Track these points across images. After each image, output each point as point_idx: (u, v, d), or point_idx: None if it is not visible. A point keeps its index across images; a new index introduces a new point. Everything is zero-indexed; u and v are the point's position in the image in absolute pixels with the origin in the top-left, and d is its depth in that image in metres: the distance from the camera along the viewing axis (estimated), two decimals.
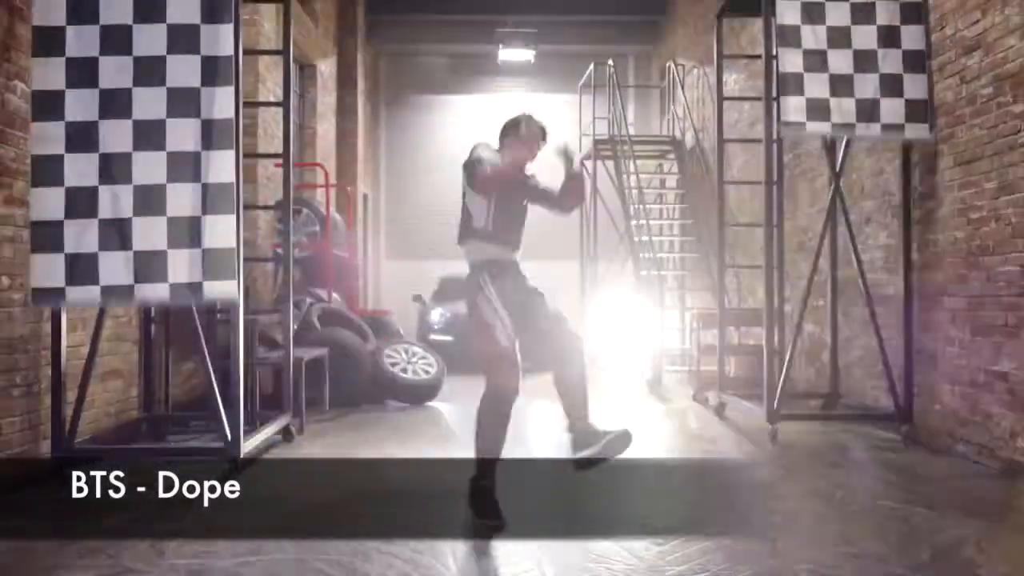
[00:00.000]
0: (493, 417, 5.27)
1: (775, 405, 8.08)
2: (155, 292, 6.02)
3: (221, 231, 6.11)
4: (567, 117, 19.25)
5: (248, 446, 6.77)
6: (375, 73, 21.64)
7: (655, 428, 9.25)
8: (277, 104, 8.82)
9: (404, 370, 10.85)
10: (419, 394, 10.72)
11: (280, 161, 10.86)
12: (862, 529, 5.29)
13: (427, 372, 10.97)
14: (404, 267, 21.71)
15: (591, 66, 16.78)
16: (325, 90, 16.05)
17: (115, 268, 5.96)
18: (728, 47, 11.22)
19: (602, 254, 16.26)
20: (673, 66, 16.93)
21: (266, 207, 10.88)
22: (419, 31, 20.72)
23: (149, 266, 5.99)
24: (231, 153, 6.17)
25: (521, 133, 5.59)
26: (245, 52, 7.15)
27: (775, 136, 8.47)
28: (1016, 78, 6.54)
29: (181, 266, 6.04)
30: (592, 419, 5.35)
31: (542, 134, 5.60)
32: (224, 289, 6.14)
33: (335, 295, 12.29)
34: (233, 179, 6.18)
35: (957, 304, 7.27)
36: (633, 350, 14.44)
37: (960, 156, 7.26)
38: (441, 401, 10.88)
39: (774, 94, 8.06)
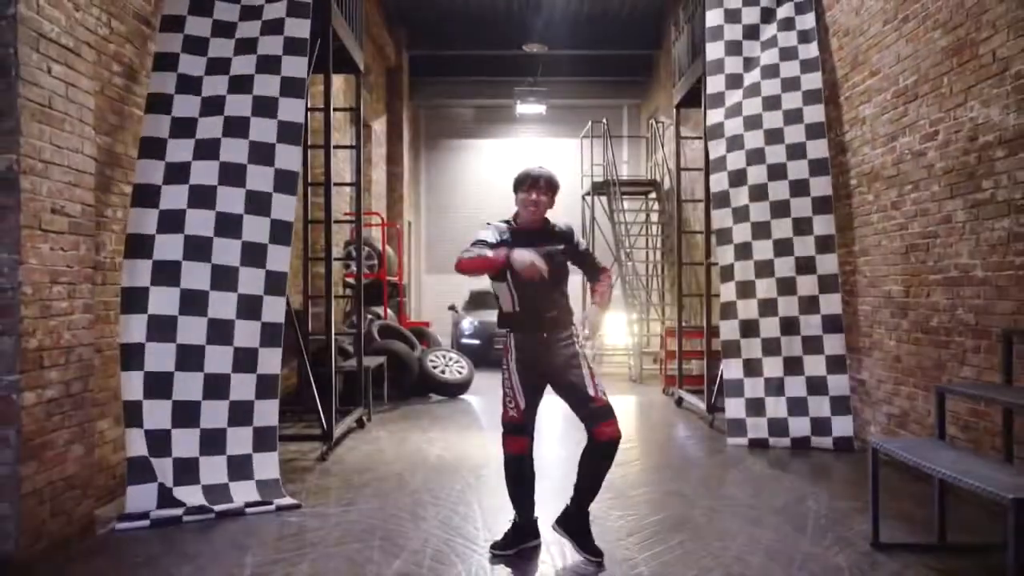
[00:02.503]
0: (506, 476, 5.26)
1: (712, 400, 9.78)
2: (226, 300, 6.36)
3: (279, 258, 6.53)
4: (573, 159, 20.96)
5: (337, 432, 8.44)
6: (416, 123, 23.20)
7: (632, 414, 10.99)
8: (350, 184, 10.38)
9: (443, 371, 12.56)
10: (455, 390, 12.41)
11: (348, 211, 12.73)
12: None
13: (460, 373, 12.69)
14: (440, 280, 23.14)
15: (589, 123, 18.41)
16: (377, 143, 17.73)
17: (197, 276, 6.29)
18: (692, 113, 12.91)
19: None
20: (654, 123, 18.52)
21: (340, 258, 12.60)
22: (452, 88, 22.14)
23: (224, 278, 6.36)
24: (293, 198, 6.61)
25: (525, 185, 5.00)
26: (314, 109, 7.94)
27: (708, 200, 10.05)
28: (869, 175, 8.23)
29: (248, 281, 6.43)
30: (592, 507, 5.35)
31: (547, 184, 5.01)
32: (276, 304, 6.50)
33: (389, 311, 14.10)
34: (291, 218, 6.59)
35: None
36: (621, 351, 16.30)
37: (839, 225, 8.82)
38: (471, 395, 12.56)
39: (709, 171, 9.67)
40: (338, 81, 12.84)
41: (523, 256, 4.60)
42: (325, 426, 8.14)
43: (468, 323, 17.30)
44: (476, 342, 16.78)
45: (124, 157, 6.47)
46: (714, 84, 9.40)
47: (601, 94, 21.90)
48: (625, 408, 11.52)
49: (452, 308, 18.48)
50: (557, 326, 5.02)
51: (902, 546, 5.30)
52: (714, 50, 9.47)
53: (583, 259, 5.17)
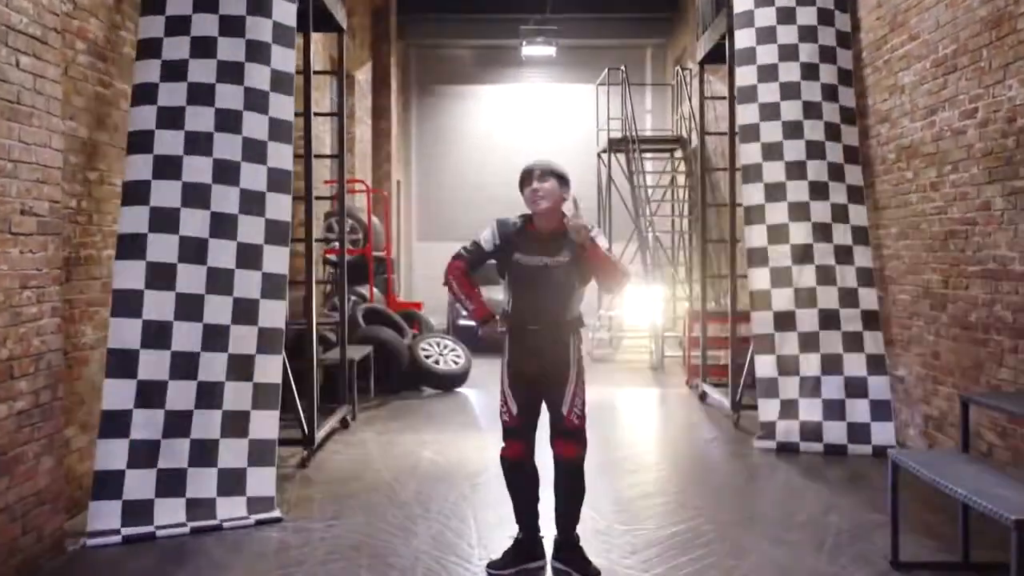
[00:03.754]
0: (506, 482, 5.87)
1: (738, 396, 10.33)
2: (222, 305, 6.99)
3: (276, 260, 7.23)
4: (587, 109, 21.25)
5: (319, 434, 8.99)
6: (406, 68, 23.64)
7: (651, 412, 11.61)
8: (331, 157, 10.86)
9: (437, 361, 13.15)
10: (450, 382, 12.99)
11: (328, 179, 13.22)
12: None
13: (456, 363, 13.28)
14: (434, 248, 23.15)
15: (606, 70, 18.83)
16: (361, 95, 18.15)
17: (193, 279, 6.91)
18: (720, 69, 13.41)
19: (616, 235, 17.87)
20: (680, 69, 18.95)
21: (321, 239, 13.12)
22: (447, 27, 22.53)
23: (219, 281, 6.98)
24: (288, 197, 7.37)
25: (525, 181, 5.53)
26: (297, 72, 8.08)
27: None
28: (908, 150, 8.79)
29: (244, 284, 7.07)
30: (578, 532, 5.86)
31: (543, 171, 5.52)
32: (274, 308, 7.19)
33: (376, 291, 14.69)
34: (287, 218, 7.34)
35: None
36: (642, 334, 16.87)
37: (876, 202, 9.43)
38: (469, 387, 13.13)
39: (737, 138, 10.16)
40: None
41: (485, 331, 5.71)
42: (306, 429, 8.73)
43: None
44: (475, 323, 17.09)
45: (88, 142, 7.05)
46: (743, 38, 9.82)
47: (620, 33, 22.27)
48: (644, 404, 12.12)
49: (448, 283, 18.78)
50: (549, 337, 5.57)
51: (922, 565, 5.87)
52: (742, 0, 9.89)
53: (598, 256, 5.49)
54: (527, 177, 5.52)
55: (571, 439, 5.62)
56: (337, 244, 12.70)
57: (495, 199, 22.90)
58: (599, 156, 19.75)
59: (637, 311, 17.01)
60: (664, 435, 10.32)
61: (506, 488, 5.88)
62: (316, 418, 9.06)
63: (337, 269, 12.09)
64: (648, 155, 19.75)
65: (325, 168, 14.04)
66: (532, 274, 5.51)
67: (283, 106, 7.49)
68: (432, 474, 8.31)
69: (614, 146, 18.32)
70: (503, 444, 5.77)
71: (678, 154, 19.22)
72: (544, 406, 5.73)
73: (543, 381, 5.61)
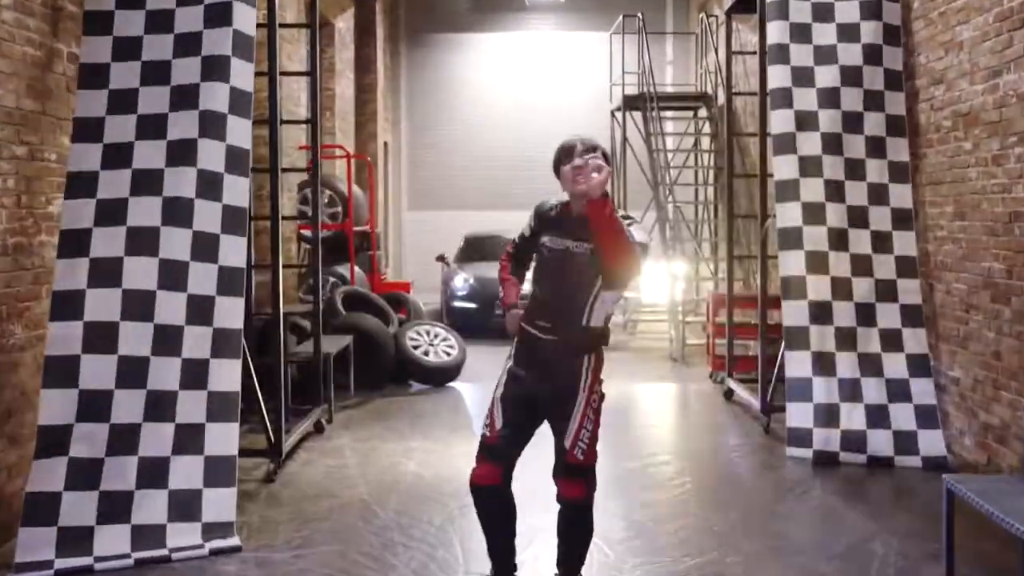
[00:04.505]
0: (476, 511, 5.62)
1: (769, 396, 10.11)
2: (174, 303, 6.92)
3: (234, 251, 7.18)
4: (600, 61, 21.05)
5: (289, 442, 8.81)
6: (395, 14, 23.42)
7: (670, 412, 11.38)
8: (305, 122, 10.61)
9: (426, 352, 12.93)
10: (441, 376, 12.80)
11: (303, 143, 13.00)
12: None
13: (448, 354, 13.05)
14: (427, 219, 23.49)
15: (620, 17, 18.57)
16: (343, 46, 17.94)
17: (142, 274, 6.83)
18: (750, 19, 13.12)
19: (632, 204, 18.13)
20: (705, 17, 18.68)
21: (293, 217, 12.88)
22: None
23: (171, 275, 6.91)
24: (247, 180, 7.35)
25: (565, 158, 5.18)
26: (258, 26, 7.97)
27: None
28: (967, 117, 8.52)
29: (199, 279, 7.00)
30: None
31: (587, 145, 5.16)
32: (232, 306, 7.13)
33: (358, 271, 14.46)
34: (245, 204, 7.32)
35: (927, 310, 9.21)
36: (660, 316, 16.64)
37: (929, 176, 9.17)
38: (463, 382, 12.96)
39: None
40: None
41: (511, 319, 5.58)
42: (273, 438, 8.53)
43: (462, 280, 17.41)
44: (471, 305, 17.04)
45: (15, 111, 6.81)
46: None
47: None
48: (661, 403, 11.92)
49: (441, 259, 18.71)
50: (561, 346, 5.28)
51: None
52: None
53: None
54: (568, 153, 5.16)
55: (575, 478, 5.35)
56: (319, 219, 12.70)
57: (495, 162, 23.02)
58: (613, 115, 19.60)
59: (656, 289, 16.71)
60: (683, 442, 10.13)
61: (477, 517, 5.65)
62: (285, 423, 8.90)
63: (312, 248, 11.82)
64: (668, 114, 19.58)
65: (302, 131, 13.80)
66: (555, 260, 5.31)
67: (243, 73, 7.38)
68: (416, 491, 8.11)
69: (630, 103, 18.19)
70: (474, 464, 5.50)
71: (702, 113, 19.07)
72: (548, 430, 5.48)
73: (544, 400, 5.38)
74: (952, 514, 5.69)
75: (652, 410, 11.71)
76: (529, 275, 5.63)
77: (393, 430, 10.33)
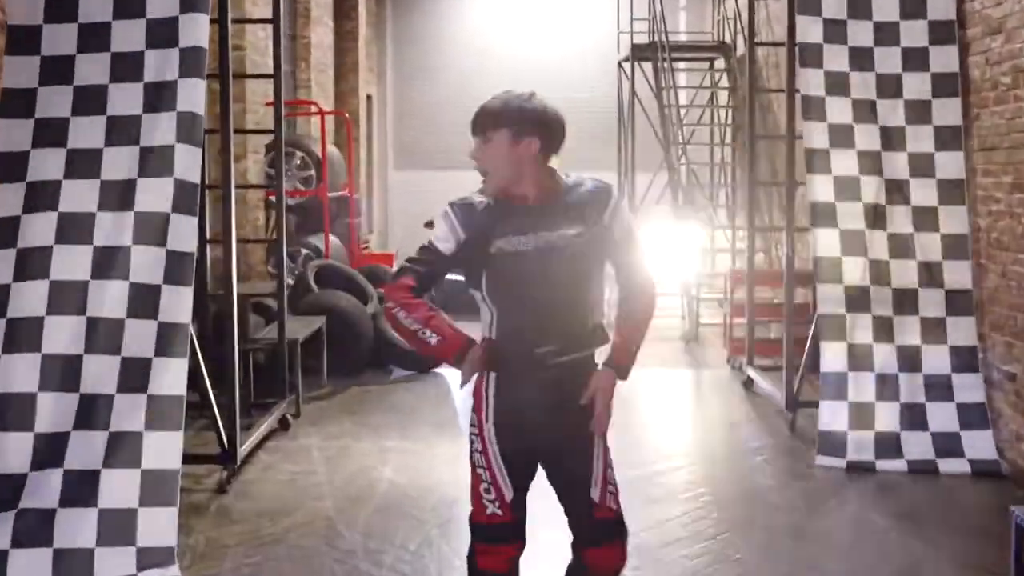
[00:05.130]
0: None
1: (795, 391, 9.61)
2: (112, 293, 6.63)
3: (184, 233, 6.83)
4: (606, 3, 20.72)
5: (247, 444, 8.34)
6: None
7: (682, 405, 10.88)
8: (267, 76, 10.06)
9: None
10: (425, 362, 12.19)
11: (271, 99, 12.48)
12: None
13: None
14: (414, 179, 23.17)
15: None
16: None
17: (73, 262, 6.63)
18: None
19: (641, 165, 17.95)
20: None
21: (253, 185, 12.38)
22: None
23: (110, 263, 6.65)
24: (198, 150, 7.02)
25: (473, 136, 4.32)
26: None
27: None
28: None
29: (143, 266, 6.70)
30: None
31: (489, 118, 4.26)
32: (179, 297, 6.76)
33: (334, 241, 13.94)
34: (198, 179, 6.99)
35: (977, 295, 8.70)
36: (671, 289, 16.06)
37: (983, 141, 8.64)
38: (449, 368, 12.40)
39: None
40: None
41: (466, 371, 4.16)
42: (226, 441, 8.02)
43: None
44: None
45: None
46: None
47: None
48: (672, 394, 11.41)
49: (430, 226, 18.02)
50: (565, 367, 4.24)
51: None
52: None
53: (617, 249, 4.33)
54: (472, 126, 4.30)
55: (615, 540, 4.37)
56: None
57: None
58: (620, 66, 19.31)
59: (666, 258, 16.13)
60: (697, 443, 9.67)
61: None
62: (247, 419, 8.68)
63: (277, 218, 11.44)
64: (682, 65, 19.60)
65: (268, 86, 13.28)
66: (526, 264, 4.16)
67: (195, 29, 7.04)
68: (390, 504, 7.63)
69: (639, 53, 17.90)
70: (481, 551, 4.42)
71: (719, 65, 18.80)
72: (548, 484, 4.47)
73: (552, 448, 4.32)
74: (1022, 552, 5.20)
75: (660, 402, 11.20)
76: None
77: (368, 426, 9.89)
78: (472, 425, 4.39)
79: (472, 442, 4.39)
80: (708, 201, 17.22)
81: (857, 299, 8.73)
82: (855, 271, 8.78)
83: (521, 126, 4.20)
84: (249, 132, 12.00)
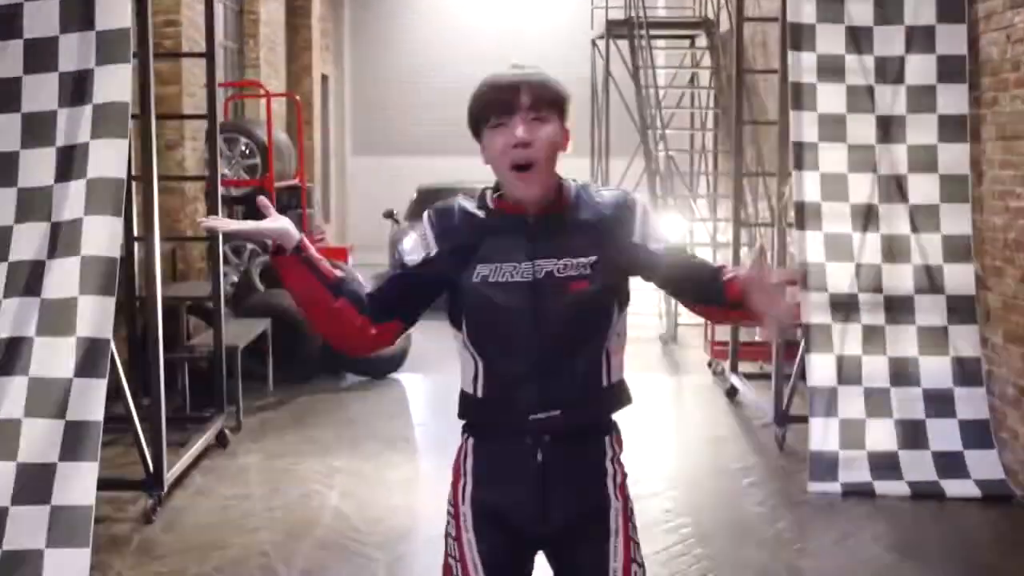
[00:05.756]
0: None
1: (786, 402, 9.17)
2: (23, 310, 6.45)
3: (102, 236, 6.57)
4: None
5: (177, 466, 7.92)
6: None
7: (657, 417, 10.42)
8: (199, 55, 9.55)
9: None
10: (381, 366, 11.85)
11: (221, 81, 12.05)
12: None
13: None
14: (375, 165, 23.25)
15: None
16: None
17: None
18: None
19: (616, 150, 17.81)
20: None
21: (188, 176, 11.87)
22: None
23: (23, 279, 6.51)
24: (124, 142, 6.75)
25: (491, 110, 3.27)
26: None
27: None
28: None
29: (59, 277, 6.52)
30: None
31: (536, 94, 3.23)
32: (99, 308, 6.50)
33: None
34: (121, 174, 6.75)
35: (992, 301, 8.28)
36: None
37: (1002, 129, 8.17)
38: (408, 372, 12.09)
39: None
40: None
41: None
42: (151, 465, 7.55)
43: (413, 242, 16.57)
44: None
45: None
46: None
47: None
48: (648, 404, 10.86)
49: (390, 216, 18.09)
50: (572, 439, 3.43)
51: None
52: None
53: (659, 261, 3.39)
54: (500, 104, 3.25)
55: None
56: (225, 174, 11.98)
57: (457, 97, 22.18)
58: (594, 44, 19.19)
59: None
60: (677, 463, 9.17)
61: None
62: (179, 437, 8.48)
63: (225, 208, 11.09)
64: (660, 43, 19.37)
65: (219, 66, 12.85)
66: (519, 300, 3.29)
67: (115, 6, 6.82)
68: (334, 537, 7.17)
69: (614, 30, 17.62)
70: None
71: (701, 42, 18.50)
72: None
73: (559, 536, 3.46)
74: None
75: (635, 413, 10.56)
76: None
77: (315, 442, 9.46)
78: (448, 502, 3.51)
79: (448, 522, 3.50)
80: (688, 190, 16.97)
81: (845, 307, 8.56)
82: (842, 277, 8.60)
83: (565, 112, 3.31)
84: (177, 117, 11.61)
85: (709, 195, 17.24)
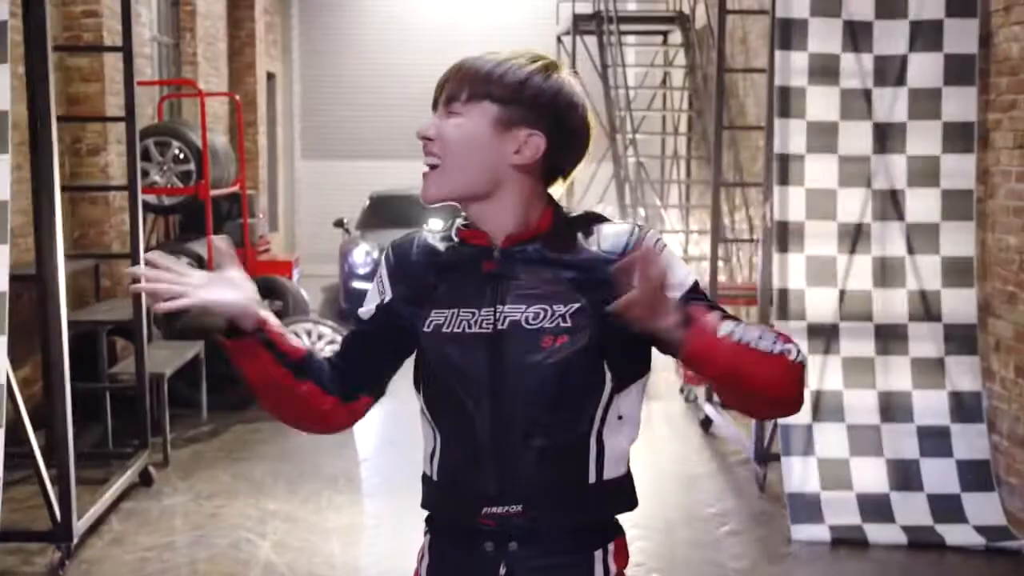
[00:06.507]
0: None
1: (768, 440, 8.82)
2: None
3: None
4: None
5: (87, 519, 7.42)
6: None
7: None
8: (114, 50, 9.11)
9: None
10: None
11: (144, 79, 11.69)
12: None
13: None
14: (325, 170, 23.28)
15: None
16: None
17: None
18: None
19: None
20: None
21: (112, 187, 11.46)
22: None
23: None
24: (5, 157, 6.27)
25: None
26: None
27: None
28: None
29: None
30: None
31: (464, 79, 2.75)
32: None
33: (223, 243, 13.00)
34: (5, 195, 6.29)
35: (1002, 330, 7.97)
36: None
37: (1021, 136, 7.86)
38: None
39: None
40: None
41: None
42: (58, 514, 7.09)
43: (363, 253, 16.61)
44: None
45: None
46: None
47: None
48: None
49: (340, 226, 17.88)
50: (543, 544, 2.76)
51: None
52: None
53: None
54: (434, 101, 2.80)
55: None
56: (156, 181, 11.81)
57: (413, 99, 22.46)
58: (559, 40, 19.14)
59: None
60: (647, 506, 8.45)
61: None
62: (99, 474, 8.28)
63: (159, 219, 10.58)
64: (631, 40, 19.21)
65: (147, 62, 12.38)
66: (470, 358, 2.70)
67: None
68: None
69: (581, 25, 17.47)
70: None
71: (675, 39, 18.37)
72: None
73: None
74: None
75: None
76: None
77: (249, 480, 9.07)
78: None
79: None
80: (659, 199, 16.90)
81: (825, 337, 8.41)
82: (824, 304, 8.44)
83: (520, 106, 2.70)
84: (88, 119, 11.18)
85: (681, 205, 17.16)
